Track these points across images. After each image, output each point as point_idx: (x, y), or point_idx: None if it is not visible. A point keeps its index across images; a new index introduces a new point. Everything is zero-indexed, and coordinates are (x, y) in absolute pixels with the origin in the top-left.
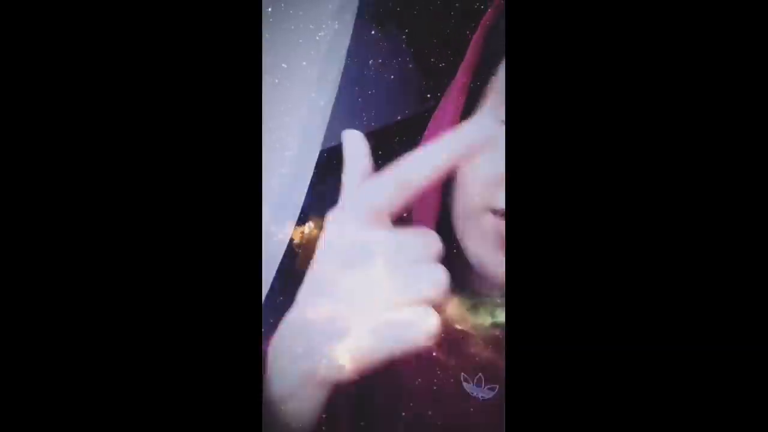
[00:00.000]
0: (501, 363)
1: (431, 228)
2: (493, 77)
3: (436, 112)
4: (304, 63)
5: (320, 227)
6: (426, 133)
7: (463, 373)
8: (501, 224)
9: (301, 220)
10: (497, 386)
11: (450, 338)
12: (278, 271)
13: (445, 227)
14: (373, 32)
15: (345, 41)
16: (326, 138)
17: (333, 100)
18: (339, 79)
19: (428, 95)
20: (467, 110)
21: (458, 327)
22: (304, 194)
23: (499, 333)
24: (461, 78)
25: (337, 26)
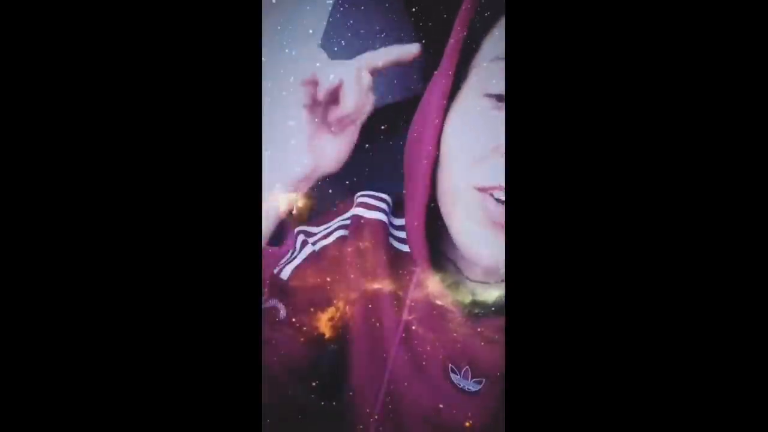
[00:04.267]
0: (491, 353)
1: (421, 216)
2: (476, 54)
3: (424, 95)
4: (311, 31)
5: (311, 197)
6: (415, 117)
7: (450, 365)
8: (487, 202)
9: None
10: (483, 379)
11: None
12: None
13: (437, 207)
14: (376, 7)
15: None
16: None
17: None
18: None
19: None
20: (453, 90)
21: (438, 303)
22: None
23: (479, 311)
24: (447, 60)
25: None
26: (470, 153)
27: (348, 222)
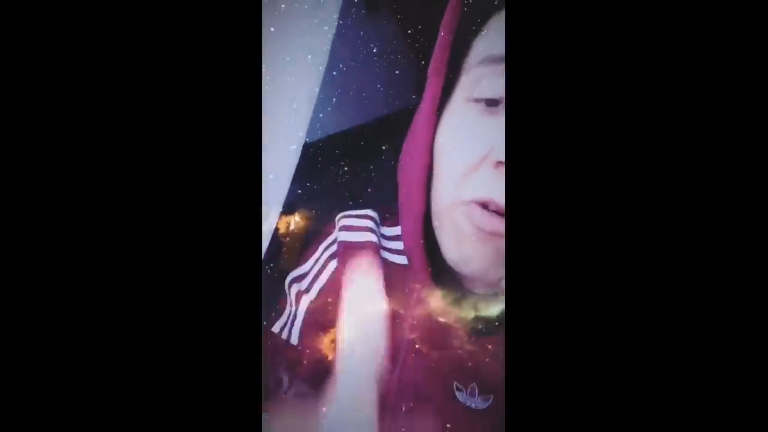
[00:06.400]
0: (496, 369)
1: (419, 225)
2: (465, 58)
3: (420, 104)
4: (309, 57)
5: (306, 219)
6: (411, 126)
7: (456, 383)
8: (475, 217)
9: (288, 211)
10: (491, 396)
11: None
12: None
13: (429, 223)
14: (368, 21)
15: (331, 32)
16: (317, 130)
17: (316, 93)
18: (323, 72)
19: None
20: (443, 97)
21: (441, 320)
22: (290, 186)
23: (483, 327)
24: (435, 67)
25: (335, 18)
26: (461, 163)
27: (335, 249)
